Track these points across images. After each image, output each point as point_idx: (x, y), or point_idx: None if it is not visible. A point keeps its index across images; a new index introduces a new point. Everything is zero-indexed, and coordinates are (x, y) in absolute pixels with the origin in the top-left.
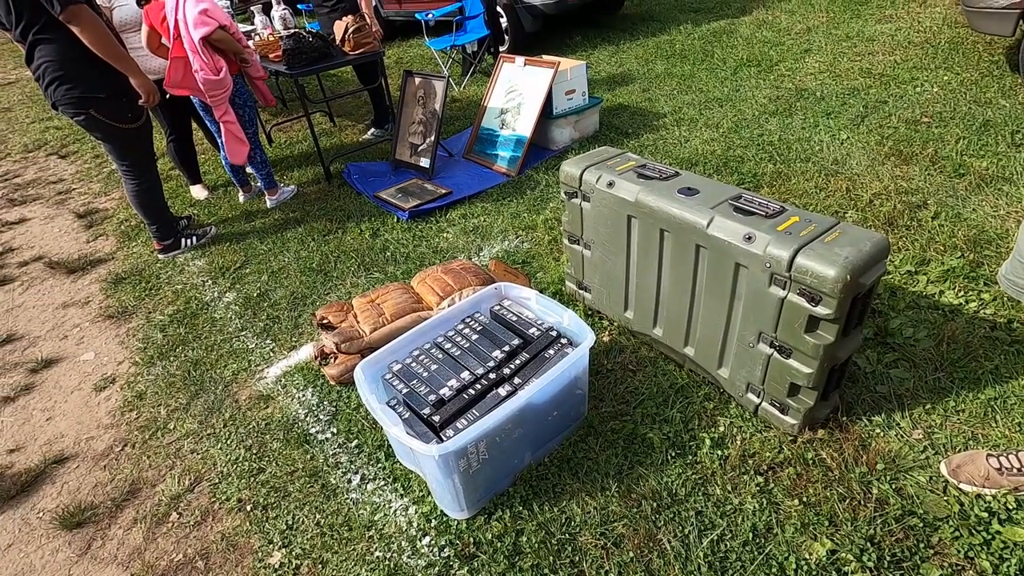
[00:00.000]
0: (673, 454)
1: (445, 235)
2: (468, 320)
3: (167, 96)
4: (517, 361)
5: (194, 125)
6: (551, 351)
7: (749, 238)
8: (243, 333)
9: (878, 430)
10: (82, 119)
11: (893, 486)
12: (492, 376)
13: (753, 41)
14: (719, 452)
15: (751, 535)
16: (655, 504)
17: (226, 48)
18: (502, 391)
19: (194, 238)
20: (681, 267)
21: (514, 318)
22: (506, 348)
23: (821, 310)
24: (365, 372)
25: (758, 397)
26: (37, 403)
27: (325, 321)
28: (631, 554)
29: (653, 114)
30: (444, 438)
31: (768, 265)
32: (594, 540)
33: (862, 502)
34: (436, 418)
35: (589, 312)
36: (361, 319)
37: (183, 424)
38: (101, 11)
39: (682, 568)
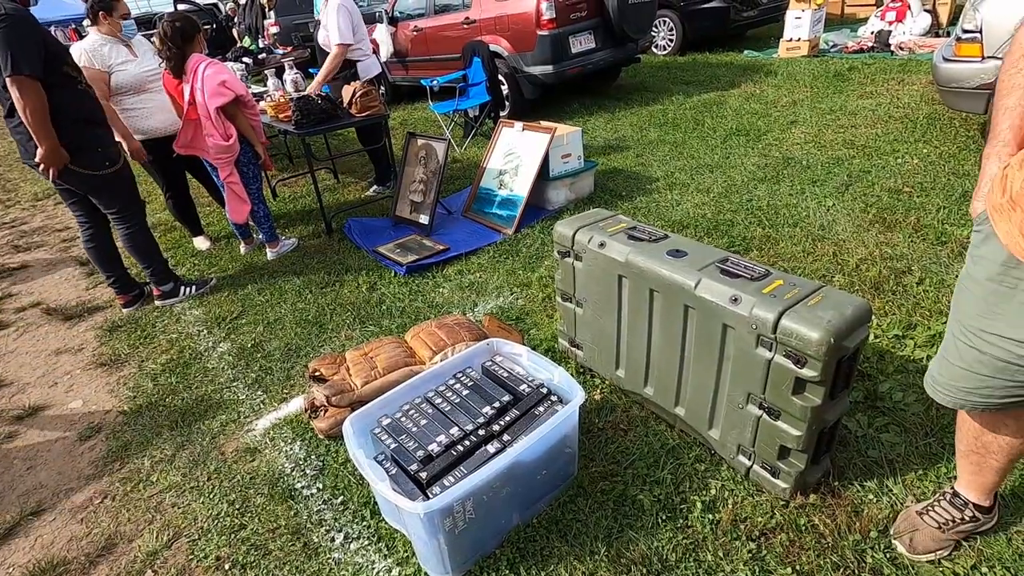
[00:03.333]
0: (664, 517)
1: (441, 290)
2: (460, 375)
3: (174, 155)
4: (507, 418)
5: (189, 177)
6: (541, 408)
7: (735, 299)
8: (235, 384)
9: (871, 496)
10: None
11: (887, 555)
12: (482, 432)
13: (742, 112)
14: (711, 516)
15: None
16: (644, 570)
17: (237, 121)
18: (491, 448)
19: (193, 287)
20: (670, 327)
21: (505, 374)
22: (496, 404)
23: (807, 372)
24: (354, 425)
25: (749, 459)
26: (19, 452)
27: (317, 373)
28: None
29: (646, 178)
30: (431, 495)
31: (754, 327)
32: None
33: (856, 572)
34: (423, 474)
35: (581, 370)
36: (353, 372)
37: (166, 476)
38: (81, 77)
39: None
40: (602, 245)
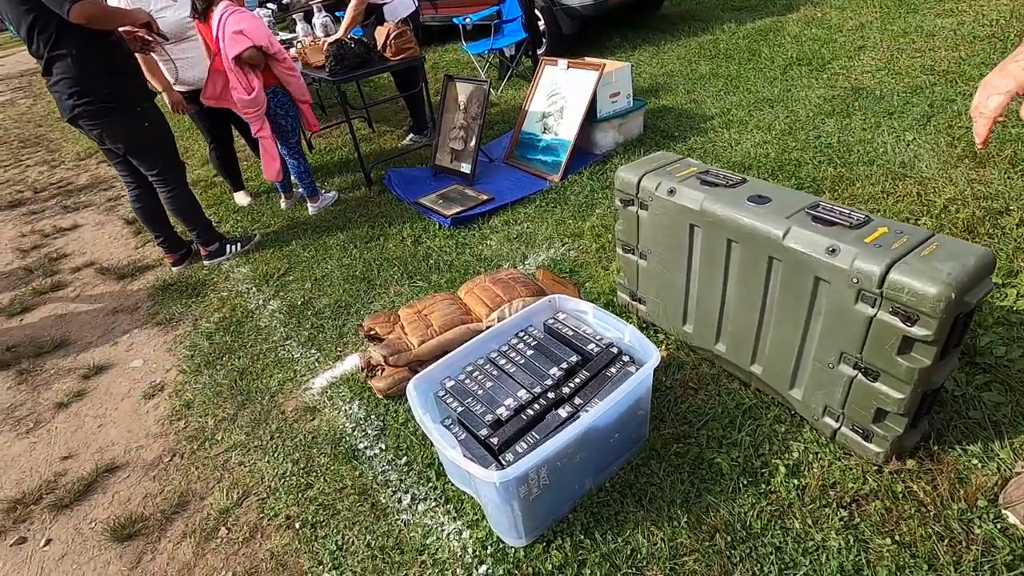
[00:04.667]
0: (745, 482)
1: (488, 243)
2: (522, 335)
3: (204, 107)
4: (577, 380)
5: (235, 132)
6: (612, 369)
7: (833, 250)
8: (288, 342)
9: (975, 461)
10: (97, 132)
11: (998, 526)
12: (551, 396)
13: (802, 39)
14: (795, 481)
15: None
16: (729, 538)
17: (264, 72)
18: (562, 412)
19: (239, 244)
20: (750, 280)
21: (570, 332)
22: (564, 365)
23: (918, 331)
24: (417, 388)
25: (836, 421)
26: (89, 409)
27: (372, 332)
28: None
29: (699, 116)
30: (503, 462)
31: (855, 280)
32: (659, 574)
33: (965, 544)
34: (494, 440)
35: (644, 325)
36: (408, 331)
37: (230, 435)
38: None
39: None
40: (672, 192)
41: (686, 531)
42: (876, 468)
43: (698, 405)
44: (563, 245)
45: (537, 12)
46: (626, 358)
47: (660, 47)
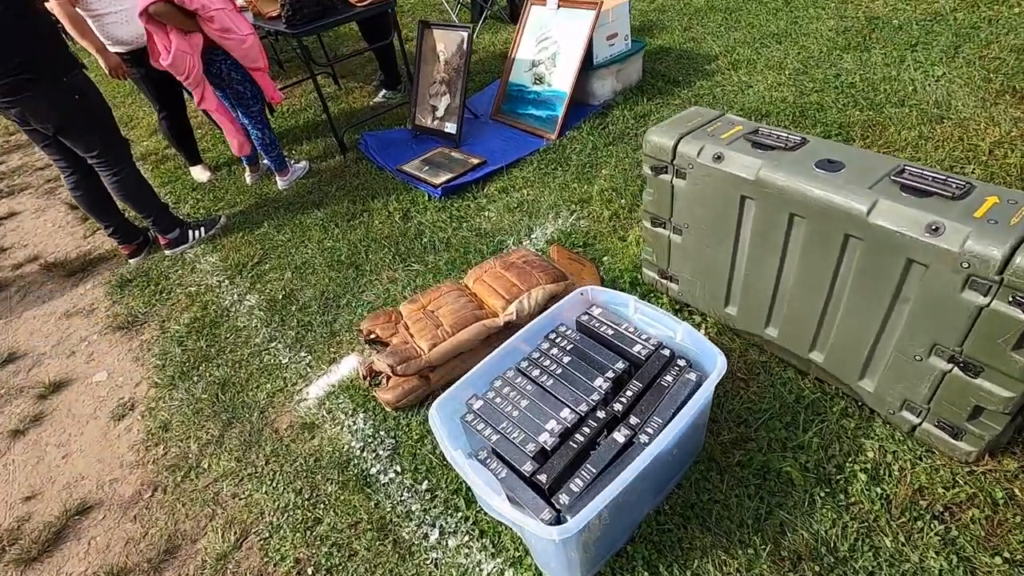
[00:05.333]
0: (821, 493)
1: (487, 214)
2: (554, 337)
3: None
4: (628, 392)
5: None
6: (668, 377)
7: (936, 228)
8: (273, 344)
9: None
10: (17, 111)
11: None
12: (601, 414)
13: None
14: (878, 489)
15: None
16: (816, 567)
17: (172, 23)
18: (619, 436)
19: (202, 229)
20: (817, 260)
21: (610, 331)
22: (610, 374)
23: None
24: (440, 413)
25: (918, 416)
26: (50, 436)
27: (373, 336)
28: None
29: (702, 56)
30: (558, 505)
31: (966, 265)
32: None
33: None
34: (542, 477)
35: (676, 306)
36: (415, 332)
37: (219, 462)
38: None
39: None
40: (719, 158)
41: (765, 559)
42: (967, 469)
43: (753, 400)
44: (571, 214)
45: None
46: (681, 362)
47: None
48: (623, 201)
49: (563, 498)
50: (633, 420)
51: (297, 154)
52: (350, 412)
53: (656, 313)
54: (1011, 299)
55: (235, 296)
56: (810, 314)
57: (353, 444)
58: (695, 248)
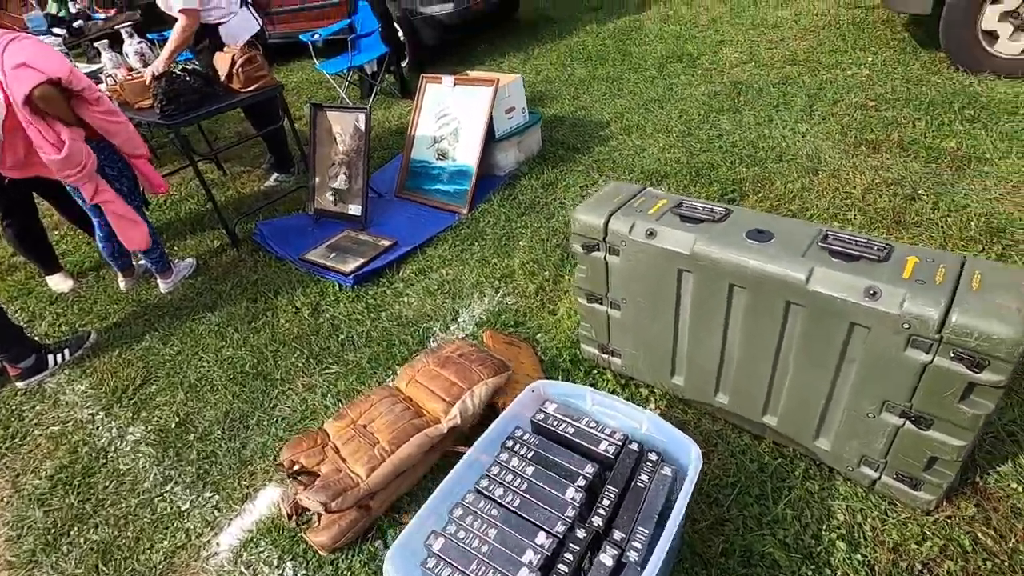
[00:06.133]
0: (808, 573)
1: (406, 299)
2: (511, 444)
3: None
4: (605, 502)
5: (37, 198)
6: (643, 476)
7: (873, 293)
8: (168, 487)
9: (1017, 486)
10: None
11: None
12: (581, 534)
13: (664, 36)
14: (859, 556)
15: None
16: None
17: (54, 112)
18: (606, 559)
19: (66, 351)
20: (761, 327)
21: (571, 429)
22: (581, 482)
23: (989, 376)
24: (397, 565)
25: (876, 471)
26: None
27: (297, 467)
28: None
29: (595, 123)
30: None
31: (906, 326)
32: None
33: None
34: None
35: (621, 380)
36: (348, 455)
37: None
38: None
39: None
40: (651, 234)
41: None
42: (931, 519)
43: (718, 476)
44: (496, 291)
45: (395, 24)
46: (653, 456)
47: (529, 53)
48: (547, 274)
49: None
50: (617, 535)
51: (181, 251)
52: (275, 562)
53: (616, 403)
54: (952, 355)
55: (114, 431)
56: (759, 379)
57: None
58: (634, 322)
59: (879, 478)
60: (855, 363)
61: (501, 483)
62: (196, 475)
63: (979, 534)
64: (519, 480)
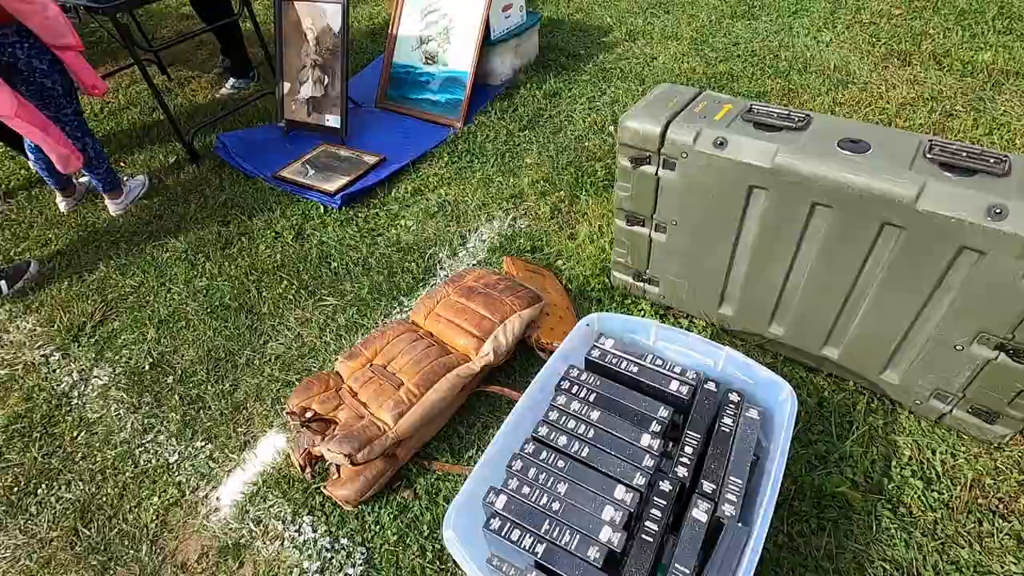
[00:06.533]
0: (884, 512)
1: (403, 223)
2: (567, 386)
3: None
4: (687, 449)
5: None
6: (727, 419)
7: (998, 212)
8: (150, 437)
9: None
10: None
11: None
12: (666, 487)
13: None
14: (935, 494)
15: None
16: None
17: None
18: (699, 514)
19: (3, 283)
20: (841, 252)
21: (634, 368)
22: (656, 428)
23: None
24: (459, 529)
25: (947, 404)
26: None
27: (310, 414)
28: None
29: (594, 28)
30: None
31: None
32: None
33: None
34: None
35: (658, 311)
36: (368, 399)
37: None
38: None
39: None
40: (721, 144)
41: None
42: (1005, 453)
43: None
44: (506, 214)
45: None
46: (734, 397)
47: None
48: (560, 193)
49: None
50: (707, 486)
51: (129, 167)
52: (288, 517)
53: (687, 338)
54: None
55: (74, 375)
56: (826, 309)
57: (306, 566)
58: (684, 246)
59: (950, 412)
60: (952, 291)
61: (563, 430)
62: (182, 422)
63: None
64: (584, 427)
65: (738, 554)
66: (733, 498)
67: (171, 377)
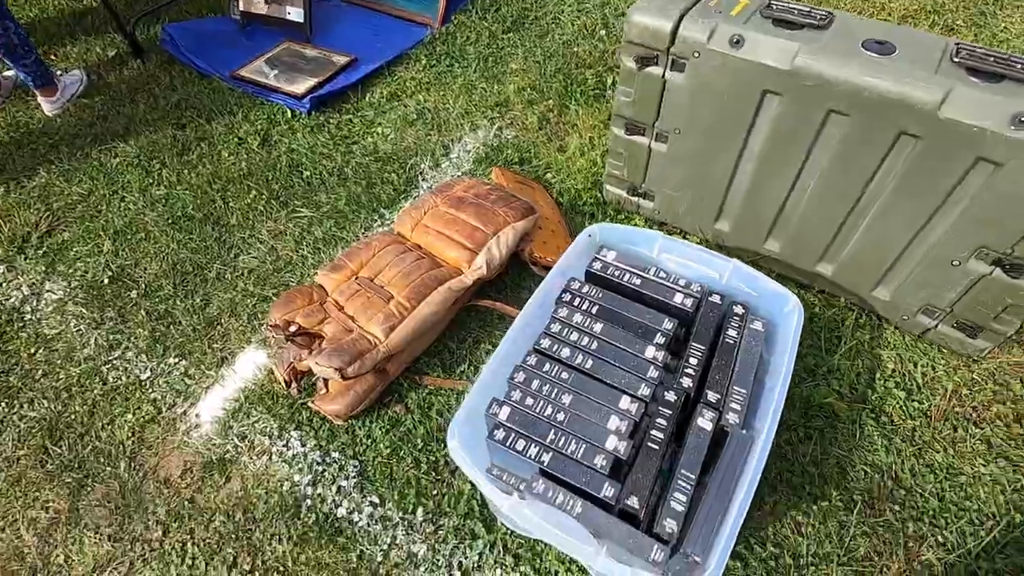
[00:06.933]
0: (867, 419)
1: (380, 130)
2: (569, 299)
3: None
4: (692, 360)
5: None
6: (731, 331)
7: (1022, 121)
8: (117, 354)
9: None
10: None
11: None
12: (671, 396)
13: None
14: (915, 404)
15: (1016, 512)
16: (897, 508)
17: None
18: (704, 422)
19: None
20: (852, 163)
21: (637, 280)
22: (660, 340)
23: None
24: (464, 440)
25: (933, 320)
26: None
27: (295, 328)
28: None
29: None
30: (664, 536)
31: None
32: None
33: None
34: (633, 502)
35: (651, 225)
36: (356, 312)
37: (82, 549)
38: None
39: None
40: (737, 42)
41: (840, 508)
42: (982, 366)
43: None
44: (491, 123)
45: None
46: (738, 309)
47: None
48: (549, 102)
49: (668, 524)
50: (711, 396)
51: (62, 61)
52: (275, 433)
53: (693, 251)
54: None
55: (24, 289)
56: (827, 224)
57: (297, 479)
58: (686, 157)
59: (935, 327)
60: (959, 206)
61: (566, 343)
62: (151, 338)
63: None
64: (587, 339)
65: (743, 459)
66: (737, 407)
67: (134, 292)
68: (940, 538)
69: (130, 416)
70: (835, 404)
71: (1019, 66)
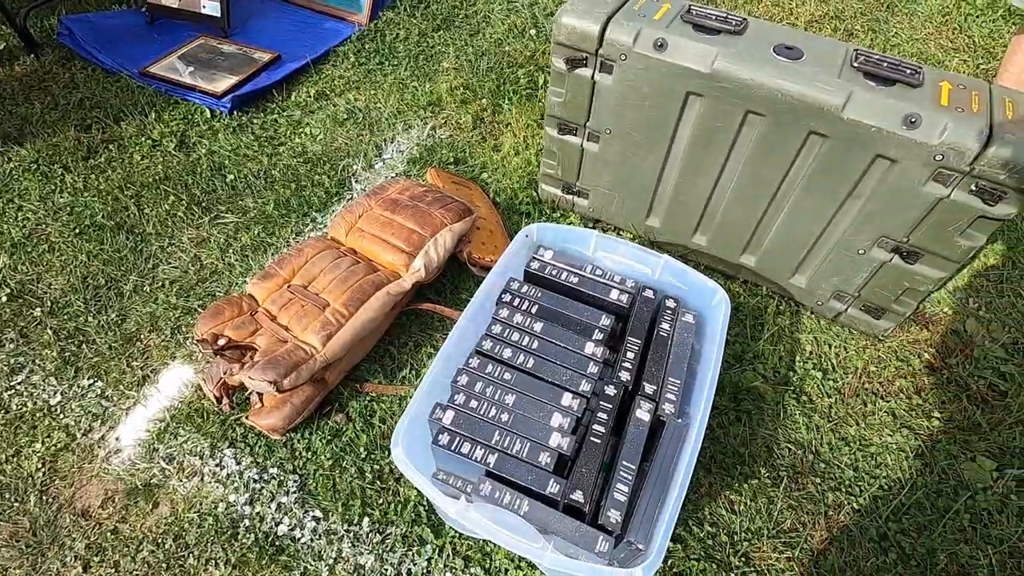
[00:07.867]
0: (791, 402)
1: (309, 131)
2: (507, 299)
3: None
4: (629, 354)
5: None
6: (664, 325)
7: (912, 121)
8: (20, 379)
9: (946, 310)
10: None
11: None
12: (611, 391)
13: None
14: (831, 383)
15: (918, 476)
16: (818, 480)
17: None
18: (642, 414)
19: None
20: (768, 161)
21: (574, 279)
22: (598, 336)
23: (1001, 210)
24: (407, 445)
25: (843, 304)
26: None
27: (224, 341)
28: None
29: None
30: (608, 526)
31: (939, 158)
32: (772, 553)
33: (984, 400)
34: (577, 496)
35: (587, 224)
36: (290, 321)
37: None
38: None
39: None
40: (661, 46)
41: (768, 484)
42: (886, 344)
43: None
44: (424, 123)
45: None
46: (670, 303)
47: None
48: (483, 102)
49: (612, 515)
50: (648, 388)
51: None
52: (206, 452)
53: (626, 248)
54: (973, 188)
55: None
56: (747, 218)
57: (233, 499)
58: (617, 156)
59: (845, 311)
60: (861, 199)
61: (507, 343)
62: (60, 359)
63: (925, 354)
64: (528, 338)
65: (679, 447)
66: (673, 397)
67: (38, 309)
68: (856, 505)
69: (39, 445)
70: (761, 387)
71: (908, 71)
